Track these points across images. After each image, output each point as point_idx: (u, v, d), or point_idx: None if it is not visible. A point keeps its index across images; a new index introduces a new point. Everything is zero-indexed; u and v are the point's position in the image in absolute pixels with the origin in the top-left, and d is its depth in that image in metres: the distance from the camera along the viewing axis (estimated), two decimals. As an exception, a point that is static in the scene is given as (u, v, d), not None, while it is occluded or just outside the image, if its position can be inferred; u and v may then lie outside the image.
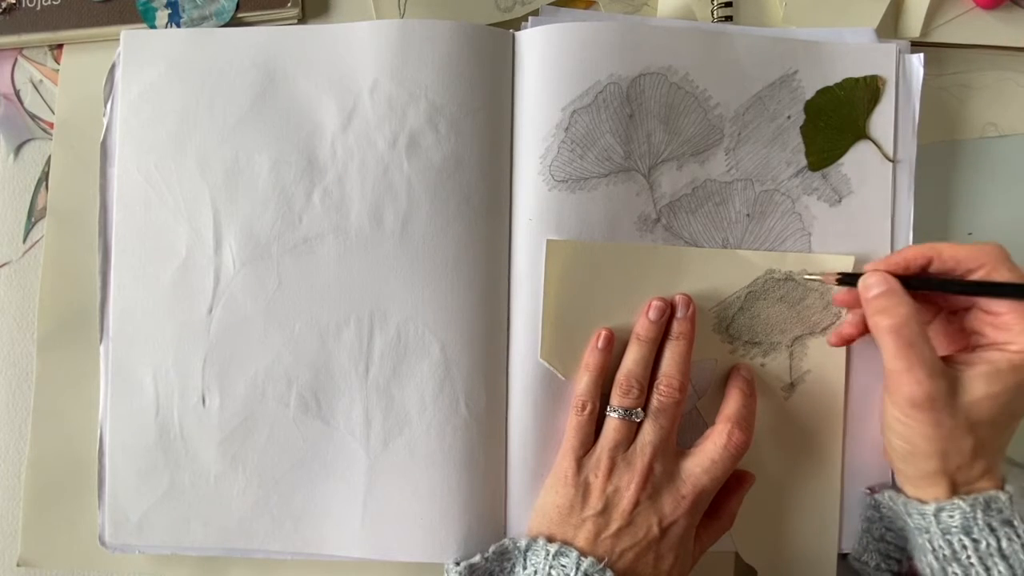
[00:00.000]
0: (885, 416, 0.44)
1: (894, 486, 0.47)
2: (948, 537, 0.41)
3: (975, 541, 0.41)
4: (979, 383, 0.41)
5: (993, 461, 0.42)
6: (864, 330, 0.46)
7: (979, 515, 0.41)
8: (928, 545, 0.42)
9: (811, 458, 0.49)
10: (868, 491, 0.48)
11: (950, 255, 0.43)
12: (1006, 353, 0.42)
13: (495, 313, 0.48)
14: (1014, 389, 0.41)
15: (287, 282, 0.49)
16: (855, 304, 0.46)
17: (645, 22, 0.51)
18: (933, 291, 0.44)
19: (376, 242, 0.48)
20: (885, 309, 0.42)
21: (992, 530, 0.41)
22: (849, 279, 0.46)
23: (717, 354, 0.49)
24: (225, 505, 0.49)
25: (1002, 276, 0.42)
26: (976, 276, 0.43)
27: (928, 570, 0.43)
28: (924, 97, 0.49)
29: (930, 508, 0.42)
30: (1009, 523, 0.41)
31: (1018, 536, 0.41)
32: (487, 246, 0.48)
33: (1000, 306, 0.42)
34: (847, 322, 0.47)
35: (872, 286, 0.43)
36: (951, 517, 0.42)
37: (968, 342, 0.45)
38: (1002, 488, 0.42)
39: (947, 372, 0.42)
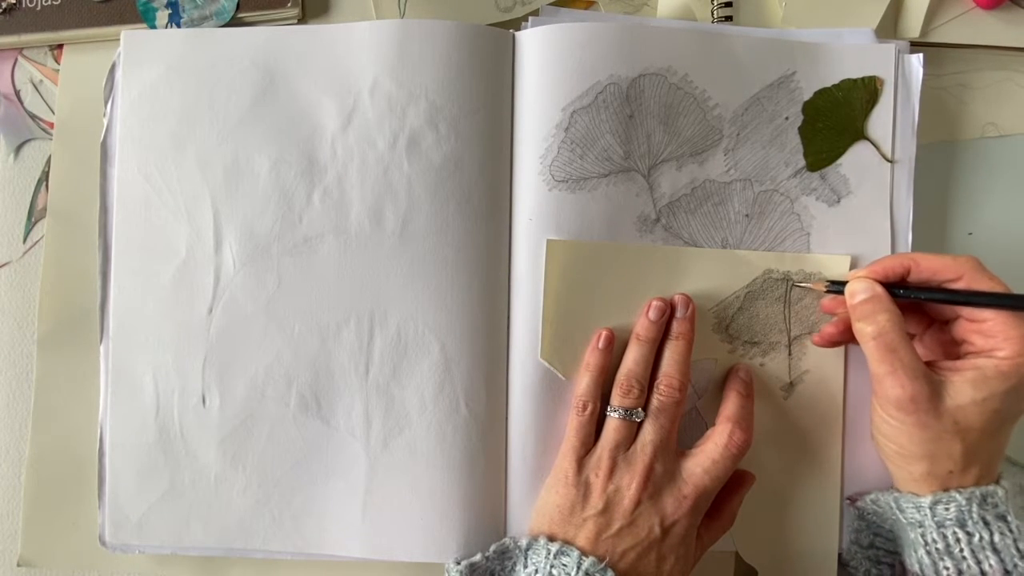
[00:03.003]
0: (873, 417, 0.45)
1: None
2: (943, 530, 0.42)
3: (969, 534, 0.41)
4: (966, 388, 0.42)
5: (987, 468, 0.43)
6: (847, 334, 0.47)
7: (975, 508, 0.41)
8: (920, 539, 0.43)
9: (811, 457, 0.49)
10: (848, 501, 0.48)
11: (927, 265, 0.44)
12: (993, 359, 0.42)
13: (495, 313, 0.48)
14: (1002, 395, 0.42)
15: (287, 282, 0.49)
16: (841, 310, 0.47)
17: (645, 22, 0.51)
18: (919, 300, 0.44)
19: (376, 242, 0.48)
20: (868, 315, 0.43)
21: (986, 524, 0.41)
22: (837, 287, 0.46)
23: (717, 354, 0.49)
24: (225, 505, 0.49)
25: (982, 285, 0.43)
26: (956, 286, 0.43)
27: (918, 566, 0.43)
28: (924, 97, 0.49)
29: (926, 500, 0.42)
30: (1003, 518, 0.42)
31: (1011, 531, 0.41)
32: (487, 246, 0.48)
33: (984, 314, 0.43)
34: (830, 323, 0.48)
35: (857, 292, 0.44)
36: (946, 510, 0.42)
37: (958, 351, 0.45)
38: (998, 483, 0.43)
39: (930, 376, 0.42)
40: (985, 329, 0.43)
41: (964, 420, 0.42)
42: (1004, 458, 0.44)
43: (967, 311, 0.44)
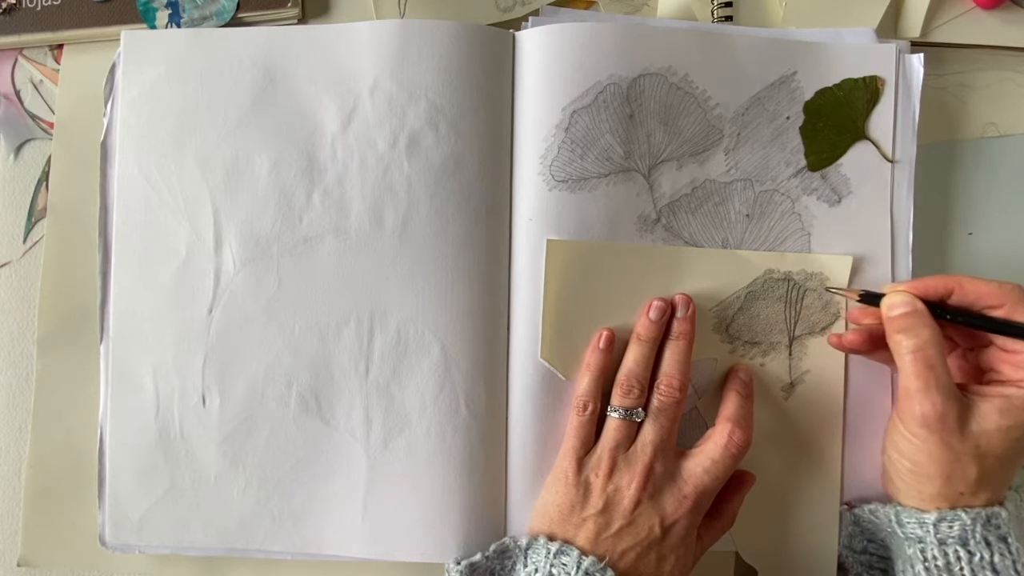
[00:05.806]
0: (891, 434, 0.45)
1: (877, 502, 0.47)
2: (944, 547, 0.42)
3: (970, 553, 0.42)
4: (992, 414, 0.42)
5: (996, 494, 0.43)
6: (866, 344, 0.46)
7: (978, 528, 0.42)
8: (920, 555, 0.43)
9: (811, 457, 0.49)
10: (846, 506, 0.48)
11: (971, 289, 0.44)
12: (1022, 390, 0.42)
13: (495, 313, 0.48)
14: None
15: (287, 282, 0.49)
16: (867, 321, 0.46)
17: (645, 22, 0.51)
18: (957, 323, 0.44)
19: (376, 242, 0.48)
20: (908, 329, 0.43)
21: (988, 544, 0.42)
22: (871, 298, 0.46)
23: (717, 354, 0.49)
24: (225, 505, 0.49)
25: (1023, 316, 0.43)
26: (997, 314, 0.43)
27: None
28: (924, 97, 0.49)
29: (931, 517, 0.42)
30: (1004, 539, 0.42)
31: (1010, 552, 0.42)
32: (487, 246, 0.48)
33: (1019, 345, 0.43)
34: (854, 330, 0.47)
35: (897, 306, 0.44)
36: (950, 528, 0.42)
37: (982, 379, 0.45)
38: (1002, 505, 0.43)
39: (961, 398, 0.42)
40: (1017, 360, 0.43)
41: (986, 445, 0.42)
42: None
43: (1002, 340, 0.44)
